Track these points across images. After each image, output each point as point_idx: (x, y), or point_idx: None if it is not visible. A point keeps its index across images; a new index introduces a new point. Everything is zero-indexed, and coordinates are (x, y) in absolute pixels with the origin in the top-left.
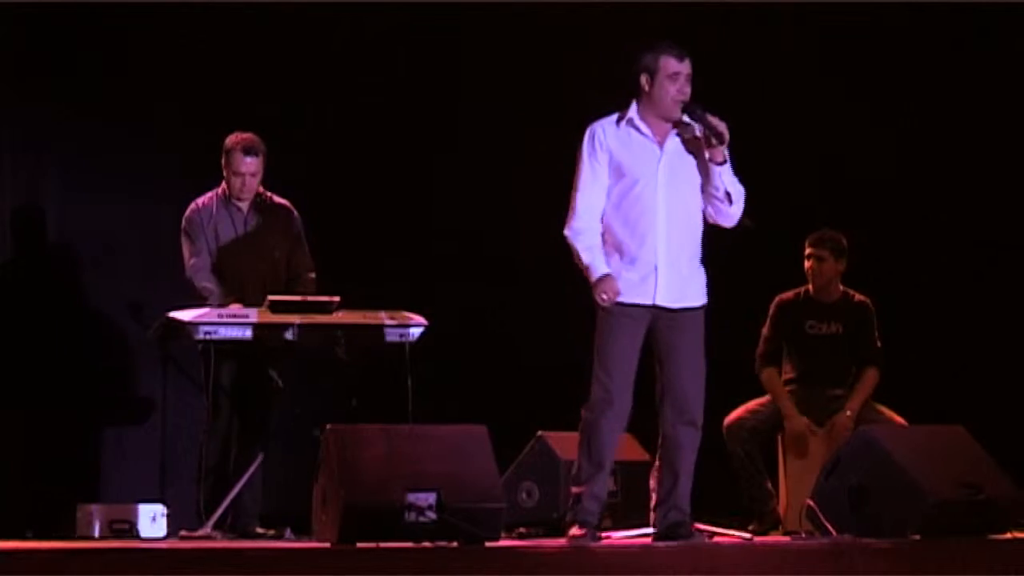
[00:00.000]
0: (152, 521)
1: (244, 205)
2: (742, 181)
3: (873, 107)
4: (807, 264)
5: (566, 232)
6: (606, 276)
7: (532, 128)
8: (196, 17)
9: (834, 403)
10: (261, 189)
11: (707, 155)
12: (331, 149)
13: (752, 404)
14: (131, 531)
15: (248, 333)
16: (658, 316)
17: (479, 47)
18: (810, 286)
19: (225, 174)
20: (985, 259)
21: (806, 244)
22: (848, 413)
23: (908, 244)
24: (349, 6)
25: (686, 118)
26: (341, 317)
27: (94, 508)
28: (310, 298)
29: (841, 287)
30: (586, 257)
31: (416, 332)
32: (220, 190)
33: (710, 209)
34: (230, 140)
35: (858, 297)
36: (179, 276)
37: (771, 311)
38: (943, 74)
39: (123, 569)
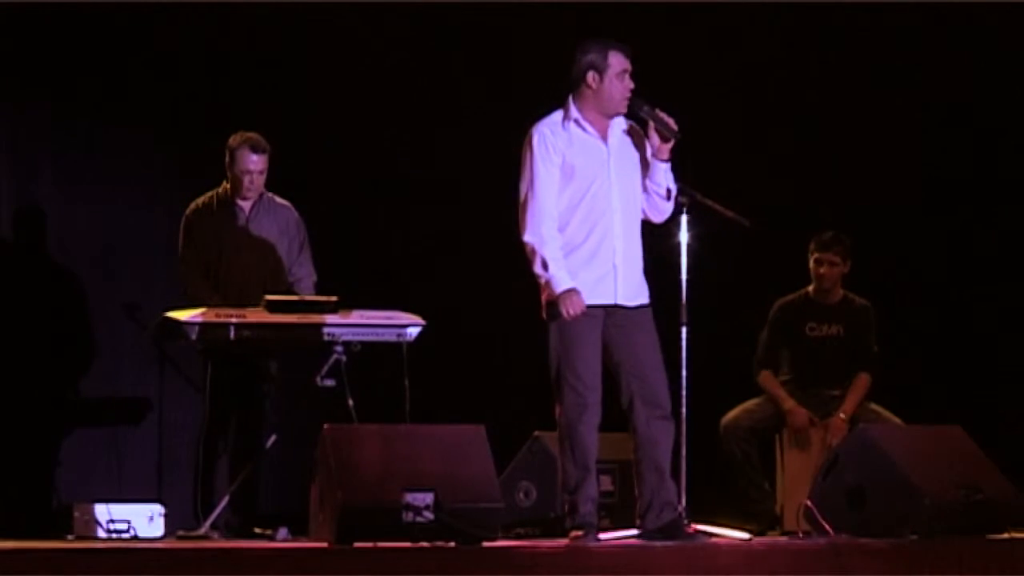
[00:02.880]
0: (149, 521)
1: (246, 205)
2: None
3: (873, 106)
4: (815, 268)
5: (528, 238)
6: (573, 290)
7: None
8: (195, 17)
9: (832, 404)
10: (263, 189)
11: (653, 151)
12: (331, 149)
13: (749, 404)
14: (128, 531)
15: (245, 333)
16: (610, 316)
17: (480, 47)
18: (811, 288)
19: (229, 173)
20: (984, 259)
21: (813, 247)
22: (842, 416)
23: (908, 245)
24: (349, 6)
25: (642, 114)
26: (338, 317)
27: (91, 508)
28: (307, 298)
29: (842, 290)
30: (553, 267)
31: (414, 332)
32: (221, 190)
33: (645, 204)
34: (235, 139)
35: (860, 301)
36: (176, 276)
37: (771, 315)
38: (943, 73)
39: (121, 569)
